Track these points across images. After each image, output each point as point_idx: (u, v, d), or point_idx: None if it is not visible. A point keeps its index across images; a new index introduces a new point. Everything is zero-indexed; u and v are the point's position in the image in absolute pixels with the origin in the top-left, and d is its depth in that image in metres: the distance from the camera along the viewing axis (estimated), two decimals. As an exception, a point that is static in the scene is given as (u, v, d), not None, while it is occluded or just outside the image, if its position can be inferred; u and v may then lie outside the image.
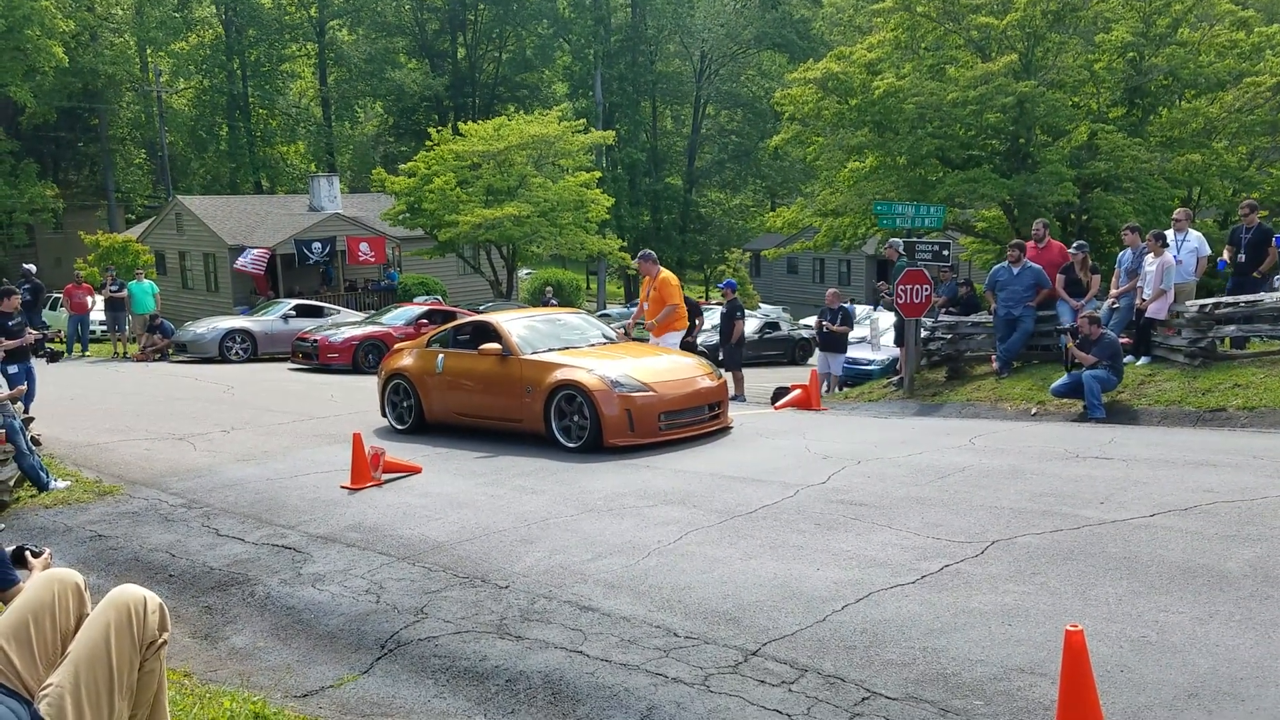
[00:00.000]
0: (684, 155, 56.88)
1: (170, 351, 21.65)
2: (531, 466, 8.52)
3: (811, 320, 21.96)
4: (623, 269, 39.61)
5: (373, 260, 31.91)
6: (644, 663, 4.29)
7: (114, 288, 22.17)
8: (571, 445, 9.17)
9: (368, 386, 13.52)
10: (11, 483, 8.00)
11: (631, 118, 54.76)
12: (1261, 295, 10.63)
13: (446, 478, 8.22)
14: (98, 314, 23.71)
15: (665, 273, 12.26)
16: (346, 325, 21.04)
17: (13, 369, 9.80)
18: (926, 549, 5.51)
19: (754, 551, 5.68)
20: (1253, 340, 11.25)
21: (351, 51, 55.28)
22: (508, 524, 6.60)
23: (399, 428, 10.72)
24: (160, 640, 3.05)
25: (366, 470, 7.94)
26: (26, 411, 10.09)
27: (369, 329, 20.26)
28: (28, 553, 3.54)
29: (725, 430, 9.95)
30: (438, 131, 31.91)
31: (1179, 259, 11.22)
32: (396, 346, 11.92)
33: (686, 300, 12.91)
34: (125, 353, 22.11)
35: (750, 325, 21.69)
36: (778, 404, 12.76)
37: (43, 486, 8.16)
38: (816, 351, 16.37)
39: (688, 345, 12.87)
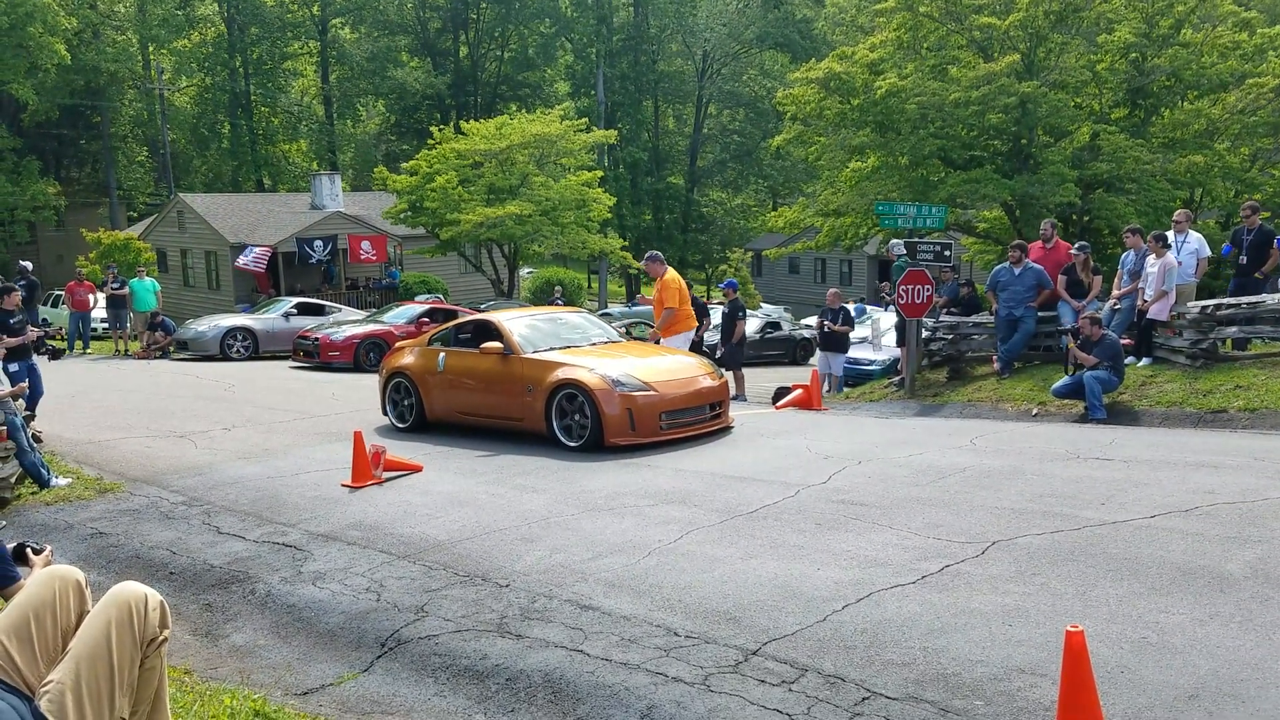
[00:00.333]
0: (686, 155, 56.86)
1: (171, 349, 21.66)
2: (532, 465, 8.52)
3: (812, 320, 21.96)
4: (624, 268, 39.59)
5: (374, 259, 31.92)
6: (644, 662, 4.29)
7: (115, 285, 22.18)
8: (572, 444, 9.17)
9: (369, 385, 13.53)
10: (13, 479, 8.01)
11: (633, 117, 54.75)
12: (1263, 297, 10.62)
13: (447, 476, 8.22)
14: (99, 311, 23.73)
15: (668, 275, 12.23)
16: (348, 323, 21.05)
17: (14, 367, 9.81)
18: (927, 549, 5.51)
19: (754, 551, 5.68)
20: (1254, 342, 11.24)
21: (353, 50, 55.28)
22: (508, 523, 6.60)
23: (400, 426, 10.73)
24: (161, 637, 3.06)
25: (367, 468, 7.94)
26: (34, 409, 10.12)
27: (370, 327, 20.26)
28: (29, 550, 3.54)
29: (726, 430, 9.95)
30: (440, 130, 31.92)
31: (1179, 260, 11.22)
32: (398, 345, 11.93)
33: (693, 300, 12.90)
34: (126, 350, 22.12)
35: (751, 325, 21.68)
36: (779, 404, 12.76)
37: (44, 484, 8.16)
38: (817, 351, 16.37)
39: (693, 345, 12.87)
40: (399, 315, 21.14)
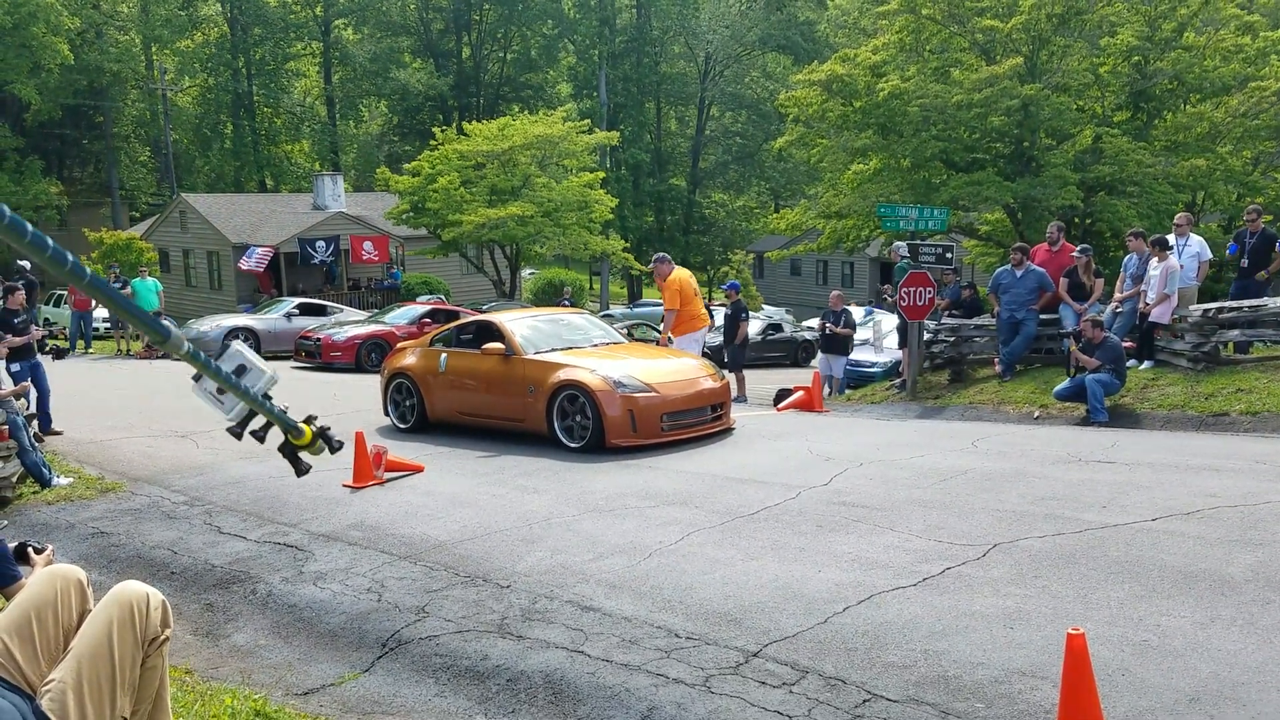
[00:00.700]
0: (688, 156, 56.89)
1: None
2: (534, 466, 8.52)
3: (814, 322, 21.96)
4: (626, 269, 39.63)
5: (376, 259, 31.94)
6: (645, 663, 4.29)
7: (118, 285, 22.19)
8: (574, 445, 9.17)
9: (370, 385, 13.54)
10: (14, 479, 8.02)
11: (636, 118, 54.78)
12: (1265, 300, 10.63)
13: (449, 477, 8.22)
14: (101, 311, 23.76)
15: (673, 275, 12.23)
16: (350, 324, 21.07)
17: (15, 367, 9.82)
18: (928, 551, 5.51)
19: (756, 553, 5.68)
20: (1256, 345, 11.24)
21: (356, 51, 55.35)
22: (509, 523, 6.60)
23: (401, 427, 10.73)
24: (162, 637, 3.06)
25: (369, 469, 7.94)
26: (47, 408, 10.13)
27: (372, 328, 20.28)
28: (30, 549, 3.54)
29: (728, 431, 9.95)
30: (442, 131, 31.97)
31: (1181, 263, 11.21)
32: (399, 345, 11.93)
33: None
34: (128, 350, 22.15)
35: (753, 327, 21.67)
36: (780, 406, 12.76)
37: (45, 483, 8.17)
38: (819, 353, 16.37)
39: None
40: (401, 316, 21.17)
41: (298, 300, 24.49)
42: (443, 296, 29.57)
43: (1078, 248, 12.60)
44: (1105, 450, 8.22)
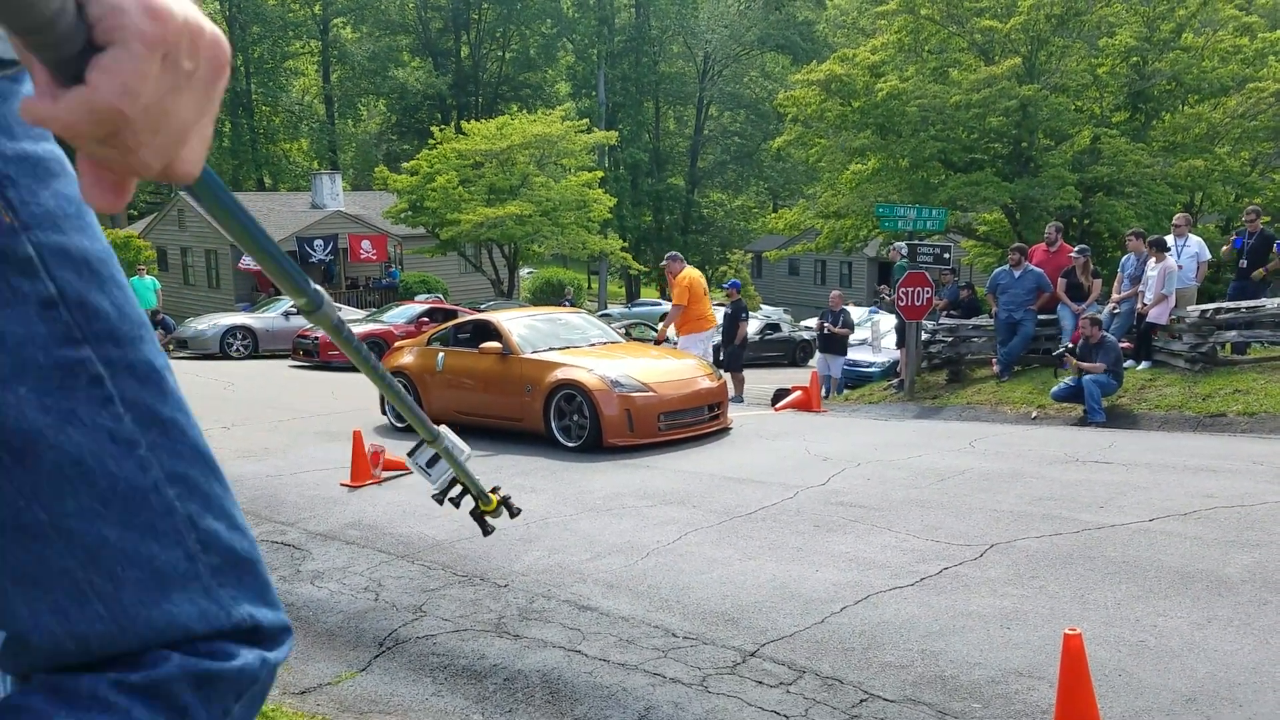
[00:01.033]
0: (686, 156, 56.86)
1: (171, 348, 21.65)
2: (531, 465, 8.53)
3: (812, 322, 21.96)
4: (624, 269, 39.63)
5: (374, 258, 31.93)
6: (642, 663, 4.29)
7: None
8: (571, 445, 9.17)
9: (368, 384, 13.51)
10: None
11: (634, 118, 54.76)
12: (1262, 301, 10.64)
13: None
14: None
15: (682, 273, 12.26)
16: (348, 323, 21.04)
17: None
18: (925, 552, 5.51)
19: (753, 552, 5.68)
20: (1253, 346, 11.26)
21: (355, 49, 55.30)
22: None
23: (399, 426, 10.72)
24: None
25: (366, 468, 7.94)
26: None
27: (370, 327, 20.27)
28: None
29: (725, 431, 9.95)
30: (440, 130, 31.94)
31: (1179, 264, 11.23)
32: (397, 344, 11.93)
33: None
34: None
35: (751, 326, 21.65)
36: (778, 405, 12.76)
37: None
38: (817, 353, 16.36)
39: None
40: (399, 315, 21.16)
41: (296, 299, 24.45)
42: (441, 296, 29.56)
43: (1076, 248, 12.61)
44: (1102, 451, 8.23)
